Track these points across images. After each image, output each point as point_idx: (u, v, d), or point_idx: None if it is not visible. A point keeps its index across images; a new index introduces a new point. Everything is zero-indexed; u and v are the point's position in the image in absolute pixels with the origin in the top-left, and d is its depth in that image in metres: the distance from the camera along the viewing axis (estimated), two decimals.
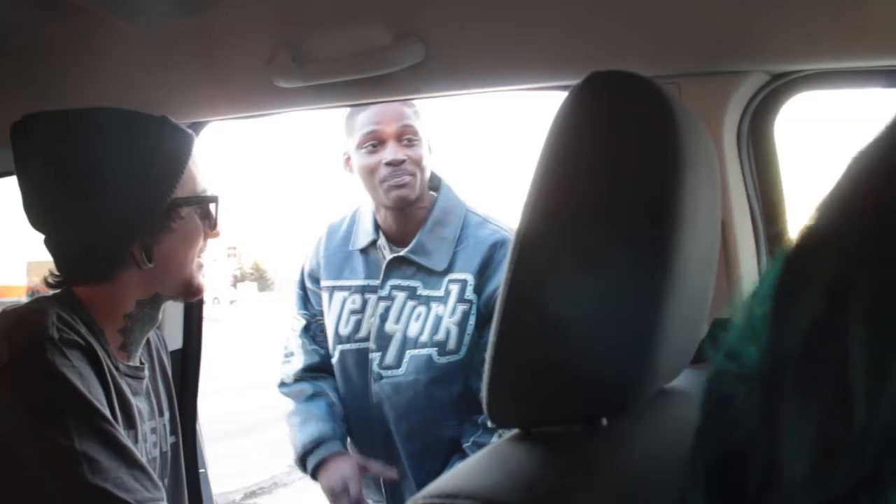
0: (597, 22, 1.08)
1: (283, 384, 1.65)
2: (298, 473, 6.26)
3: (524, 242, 0.54)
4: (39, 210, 1.06)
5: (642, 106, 0.54)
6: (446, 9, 1.15)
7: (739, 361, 0.33)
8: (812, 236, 0.32)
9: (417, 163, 1.51)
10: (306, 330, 1.68)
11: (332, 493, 1.51)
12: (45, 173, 1.04)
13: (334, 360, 1.61)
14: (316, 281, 1.67)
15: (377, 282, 1.56)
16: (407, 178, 1.50)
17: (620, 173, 0.53)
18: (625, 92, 0.56)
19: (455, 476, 0.47)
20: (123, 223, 1.03)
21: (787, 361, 0.30)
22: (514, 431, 0.55)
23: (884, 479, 0.24)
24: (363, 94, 1.29)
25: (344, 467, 1.52)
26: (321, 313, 1.66)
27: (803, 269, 0.31)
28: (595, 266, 0.52)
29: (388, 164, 1.49)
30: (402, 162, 1.49)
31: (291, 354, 1.66)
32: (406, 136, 1.50)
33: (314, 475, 1.56)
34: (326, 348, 1.64)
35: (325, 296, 1.64)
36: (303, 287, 1.70)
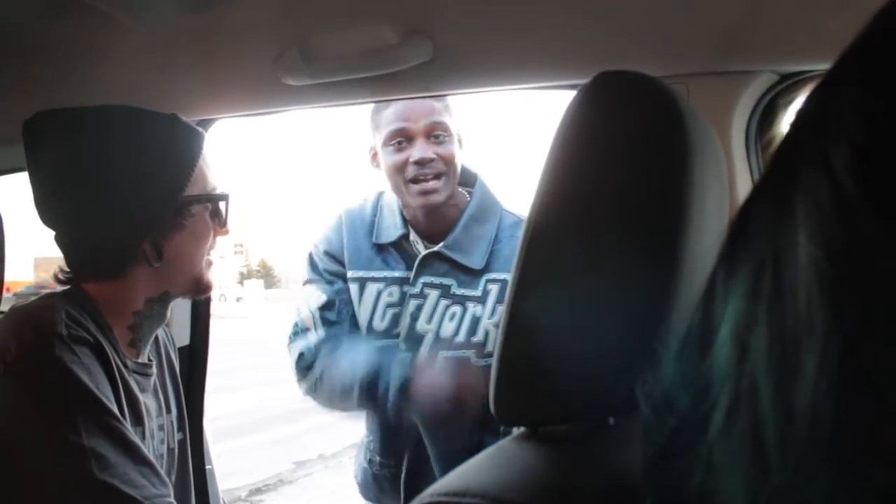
0: (605, 21, 1.08)
1: (300, 360, 1.49)
2: (304, 471, 6.26)
3: (533, 241, 0.54)
4: (51, 207, 1.06)
5: (650, 106, 0.54)
6: (454, 7, 1.15)
7: (673, 410, 0.33)
8: (711, 289, 0.33)
9: (447, 161, 1.44)
10: (329, 306, 1.52)
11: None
12: (57, 171, 1.04)
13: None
14: (335, 260, 1.55)
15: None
16: (435, 184, 1.43)
17: (628, 173, 0.53)
18: (633, 92, 0.56)
19: (462, 474, 0.47)
20: (135, 221, 1.04)
21: (711, 410, 0.30)
22: (521, 430, 0.56)
23: None
24: (371, 91, 1.29)
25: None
26: (344, 290, 1.53)
27: (711, 319, 0.32)
28: (603, 265, 0.52)
29: (416, 162, 1.42)
30: (432, 160, 1.42)
31: (306, 329, 1.51)
32: (435, 133, 1.43)
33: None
34: (346, 326, 1.51)
35: (353, 287, 1.52)
36: (317, 266, 1.56)
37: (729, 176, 0.82)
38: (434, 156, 1.43)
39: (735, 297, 0.30)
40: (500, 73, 1.20)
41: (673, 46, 1.05)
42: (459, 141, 1.49)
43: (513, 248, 1.41)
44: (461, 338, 1.44)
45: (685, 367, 0.33)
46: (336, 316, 1.52)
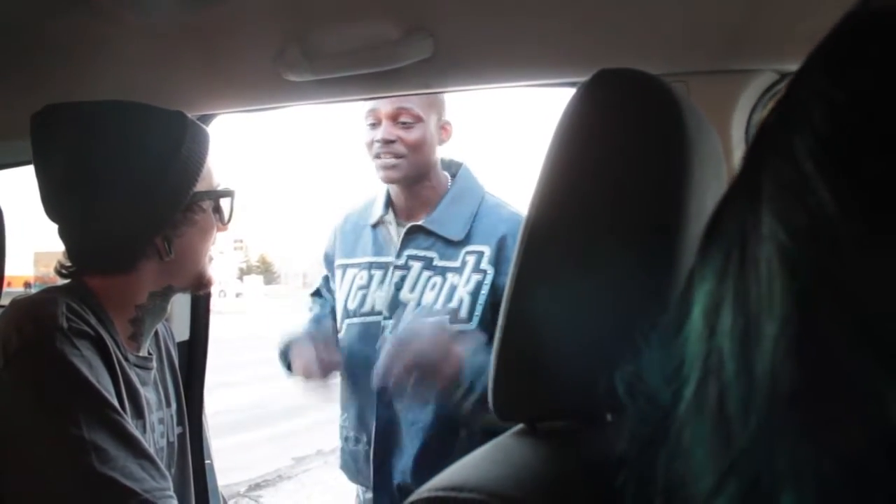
0: (606, 19, 1.08)
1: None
2: (302, 467, 6.26)
3: (531, 237, 0.54)
4: (60, 201, 1.06)
5: (650, 104, 0.54)
6: (455, 4, 1.15)
7: (656, 404, 0.34)
8: (689, 277, 0.34)
9: (408, 144, 1.56)
10: (318, 293, 1.78)
11: (303, 373, 1.57)
12: (68, 165, 1.04)
13: (340, 335, 1.64)
14: (332, 263, 1.73)
15: (384, 258, 1.61)
16: (394, 161, 1.56)
17: (627, 171, 0.53)
18: (633, 89, 0.56)
19: (460, 469, 0.47)
20: (147, 215, 1.04)
21: (682, 387, 0.31)
22: (519, 426, 0.56)
23: (776, 487, 0.25)
24: (372, 88, 1.30)
25: (301, 348, 1.58)
26: (333, 289, 1.72)
27: (686, 303, 0.33)
28: (601, 262, 0.52)
29: (379, 141, 1.56)
30: (392, 142, 1.55)
31: (310, 309, 1.76)
32: (401, 118, 1.55)
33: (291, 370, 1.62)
34: (325, 309, 1.73)
35: (337, 274, 1.69)
36: (323, 265, 1.78)
37: (728, 174, 0.83)
38: (395, 138, 1.55)
39: (707, 278, 0.32)
40: (500, 70, 1.20)
41: (673, 45, 1.05)
42: (444, 129, 1.62)
43: (495, 224, 1.54)
44: (439, 306, 1.53)
45: (660, 354, 0.34)
46: (320, 302, 1.76)
